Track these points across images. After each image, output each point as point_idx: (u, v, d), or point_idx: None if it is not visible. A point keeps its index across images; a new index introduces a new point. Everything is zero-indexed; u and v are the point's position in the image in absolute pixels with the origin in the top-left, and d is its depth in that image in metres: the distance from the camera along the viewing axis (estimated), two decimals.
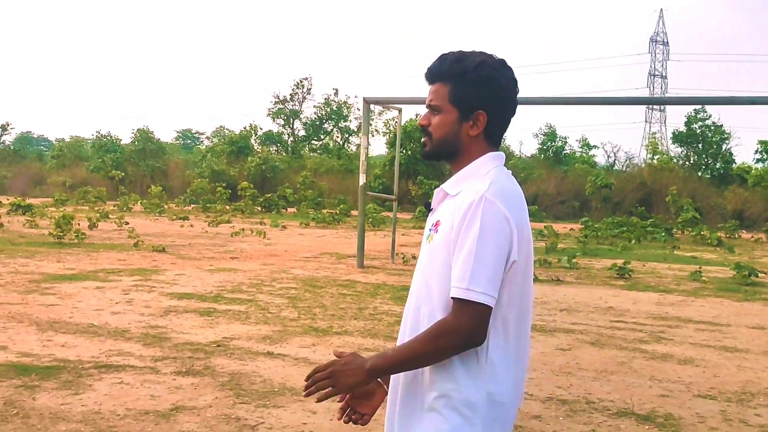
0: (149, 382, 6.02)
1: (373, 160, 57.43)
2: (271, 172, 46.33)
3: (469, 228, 1.97)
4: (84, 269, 12.56)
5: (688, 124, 45.58)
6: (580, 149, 55.98)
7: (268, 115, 65.36)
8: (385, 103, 14.92)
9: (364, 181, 13.82)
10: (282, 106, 65.69)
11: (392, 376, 2.14)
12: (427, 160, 2.25)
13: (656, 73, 76.86)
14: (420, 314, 2.09)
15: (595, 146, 56.52)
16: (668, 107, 71.35)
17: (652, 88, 76.37)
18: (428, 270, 2.09)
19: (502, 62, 2.15)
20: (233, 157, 50.34)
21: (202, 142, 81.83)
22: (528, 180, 41.35)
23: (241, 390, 5.86)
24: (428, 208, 2.23)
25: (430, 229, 2.14)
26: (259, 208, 34.35)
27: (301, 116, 66.15)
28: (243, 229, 21.29)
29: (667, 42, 78.15)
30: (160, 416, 5.20)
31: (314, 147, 65.37)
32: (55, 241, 16.68)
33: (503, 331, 2.04)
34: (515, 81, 2.16)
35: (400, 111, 14.88)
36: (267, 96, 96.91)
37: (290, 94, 66.33)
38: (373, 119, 58.25)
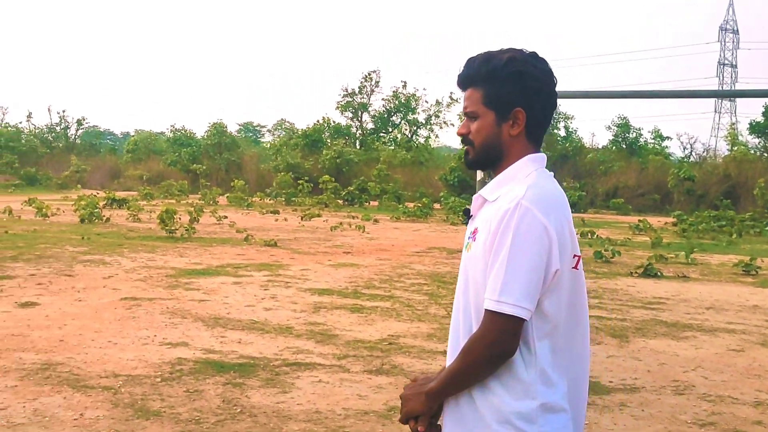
0: (348, 381, 6.04)
1: (445, 152, 57.28)
2: (346, 165, 46.41)
3: (504, 237, 1.89)
4: (210, 264, 12.71)
5: (766, 113, 44.25)
6: (653, 140, 55.02)
7: (337, 108, 65.48)
8: (563, 97, 14.72)
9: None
10: (350, 99, 65.73)
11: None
12: (472, 168, 2.19)
13: (726, 62, 74.94)
14: (463, 328, 2.02)
15: (668, 137, 55.49)
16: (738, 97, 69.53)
17: (721, 78, 74.52)
18: (467, 281, 2.02)
19: (533, 55, 2.05)
20: (306, 151, 50.59)
21: (263, 134, 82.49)
22: (608, 173, 40.71)
23: None
24: (467, 216, 2.14)
25: (469, 237, 2.06)
26: (341, 202, 34.43)
27: (370, 109, 66.13)
28: (341, 224, 21.33)
29: (737, 30, 76.12)
30: (381, 416, 5.19)
31: (382, 139, 65.35)
32: (166, 236, 16.91)
33: (552, 339, 1.96)
34: (550, 73, 2.06)
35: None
36: (330, 89, 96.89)
37: (359, 87, 66.37)
38: (440, 111, 58.06)
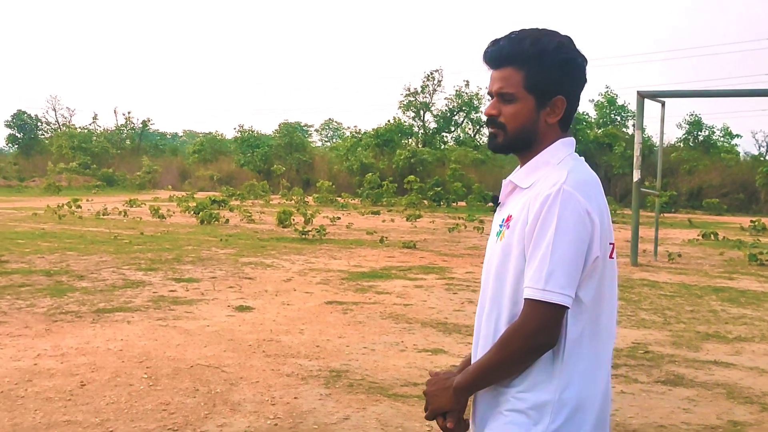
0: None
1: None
2: (420, 165, 46.29)
3: (547, 223, 1.81)
4: (372, 267, 12.67)
5: None
6: (722, 138, 53.99)
7: (399, 107, 65.31)
8: (660, 96, 14.54)
9: (639, 176, 13.50)
10: (413, 99, 65.55)
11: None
12: (498, 152, 2.04)
13: None
14: (496, 319, 1.93)
15: (737, 135, 54.36)
16: None
17: None
18: (502, 270, 1.92)
19: (571, 40, 1.97)
20: (377, 151, 50.58)
21: (310, 134, 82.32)
22: (693, 171, 40.04)
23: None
24: (495, 203, 2.06)
25: (501, 225, 1.96)
26: (427, 202, 34.32)
27: (432, 108, 65.87)
28: (457, 225, 21.21)
29: None
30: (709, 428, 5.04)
31: (445, 138, 65.08)
32: (298, 237, 16.93)
33: (584, 330, 1.87)
34: (585, 60, 1.98)
35: (663, 104, 14.46)
36: (392, 89, 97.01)
37: (421, 86, 66.15)
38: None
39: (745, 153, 53.70)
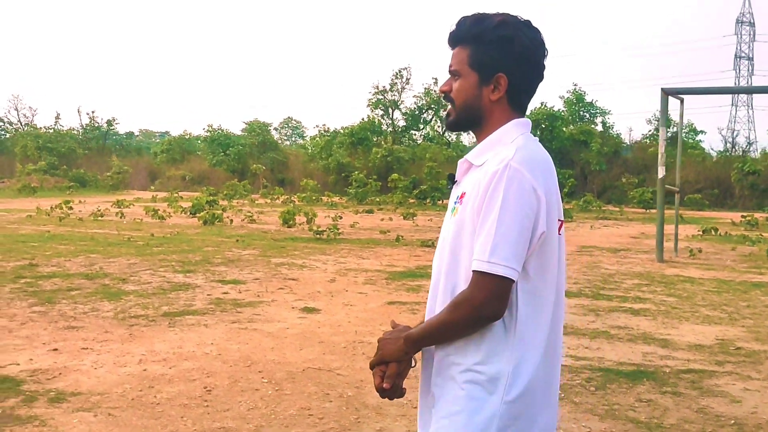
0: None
1: None
2: (396, 163, 46.29)
3: (494, 198, 1.87)
4: (406, 266, 12.64)
5: None
6: (686, 135, 54.81)
7: (368, 105, 65.17)
8: (684, 93, 14.70)
9: (663, 173, 13.65)
10: (381, 97, 65.48)
11: (424, 349, 2.07)
12: (452, 130, 2.15)
13: (742, 54, 74.85)
14: (452, 291, 1.98)
15: (702, 131, 55.27)
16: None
17: (738, 71, 74.40)
18: (455, 243, 1.99)
19: (526, 23, 2.02)
20: (351, 149, 50.45)
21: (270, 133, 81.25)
22: (669, 168, 40.58)
23: None
24: (452, 181, 2.12)
25: (455, 202, 2.03)
26: (413, 200, 34.32)
27: (401, 106, 65.86)
28: None
29: (754, 23, 76.00)
30: None
31: (413, 136, 65.13)
32: (313, 237, 16.82)
33: (534, 303, 1.94)
34: (540, 42, 2.03)
35: (681, 101, 14.64)
36: (359, 87, 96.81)
37: (390, 84, 66.08)
38: None
39: (711, 148, 54.72)
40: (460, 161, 2.10)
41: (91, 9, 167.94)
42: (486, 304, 1.87)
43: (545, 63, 2.06)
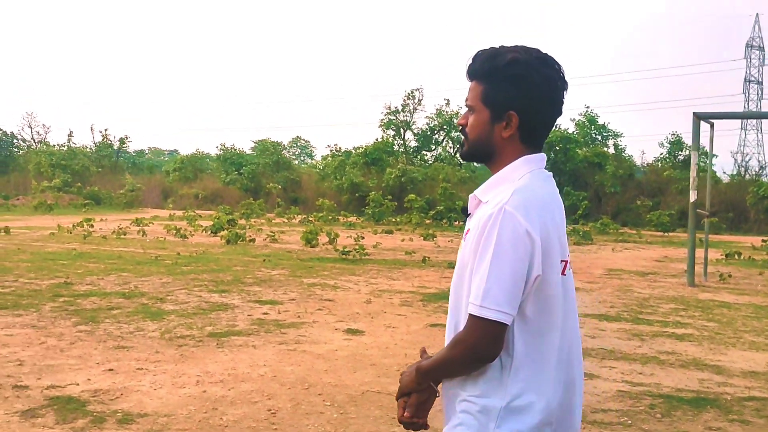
0: None
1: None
2: (411, 184, 46.32)
3: (487, 242, 1.89)
4: (437, 287, 12.60)
5: None
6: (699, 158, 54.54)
7: (380, 126, 65.33)
8: (717, 117, 14.72)
9: (695, 197, 13.63)
10: (393, 117, 65.64)
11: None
12: (466, 160, 2.19)
13: (752, 78, 75.02)
14: (455, 327, 2.04)
15: (714, 155, 55.12)
16: None
17: (747, 95, 74.65)
18: (457, 280, 2.04)
19: (542, 59, 2.01)
20: (365, 169, 50.51)
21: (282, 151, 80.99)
22: (684, 191, 40.53)
23: None
24: (465, 214, 2.12)
25: (463, 238, 2.06)
26: (428, 221, 34.28)
27: (413, 127, 65.98)
28: None
29: (764, 47, 76.21)
30: None
31: (425, 157, 65.23)
32: (338, 257, 16.81)
33: (535, 344, 1.96)
34: (554, 78, 2.02)
35: (711, 125, 14.63)
36: (371, 108, 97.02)
37: (401, 105, 66.24)
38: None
39: (723, 172, 54.63)
40: (470, 196, 2.11)
41: (104, 28, 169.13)
42: (478, 346, 1.90)
43: (563, 98, 2.06)
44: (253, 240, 20.38)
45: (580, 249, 22.10)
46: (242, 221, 28.69)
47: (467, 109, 2.12)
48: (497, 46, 2.07)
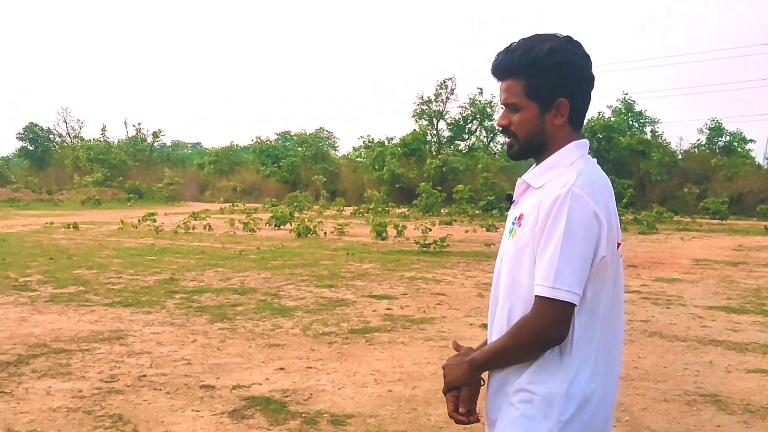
0: None
1: None
2: (452, 174, 46.15)
3: (556, 223, 1.87)
4: None
5: None
6: (736, 143, 54.10)
7: (413, 116, 65.06)
8: None
9: None
10: (426, 107, 65.36)
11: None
12: (516, 159, 2.12)
13: None
14: (509, 311, 2.01)
15: (751, 140, 54.44)
16: None
17: None
18: (514, 265, 2.00)
19: (570, 40, 2.02)
20: (404, 159, 50.40)
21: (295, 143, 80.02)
22: (733, 178, 40.10)
23: None
24: (510, 201, 2.12)
25: (513, 223, 2.04)
26: (478, 211, 34.12)
27: (446, 117, 65.64)
28: None
29: None
30: None
31: (458, 146, 64.93)
32: (420, 250, 16.71)
33: (590, 327, 1.94)
34: (587, 56, 2.03)
35: None
36: (404, 98, 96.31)
37: (434, 95, 65.91)
38: None
39: (766, 157, 54.00)
40: (518, 181, 2.09)
41: (134, 22, 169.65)
42: (549, 328, 1.88)
43: (593, 73, 2.07)
44: (325, 233, 20.31)
45: (649, 239, 21.88)
46: (297, 214, 28.66)
47: (505, 108, 2.07)
48: (519, 40, 2.05)
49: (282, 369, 6.58)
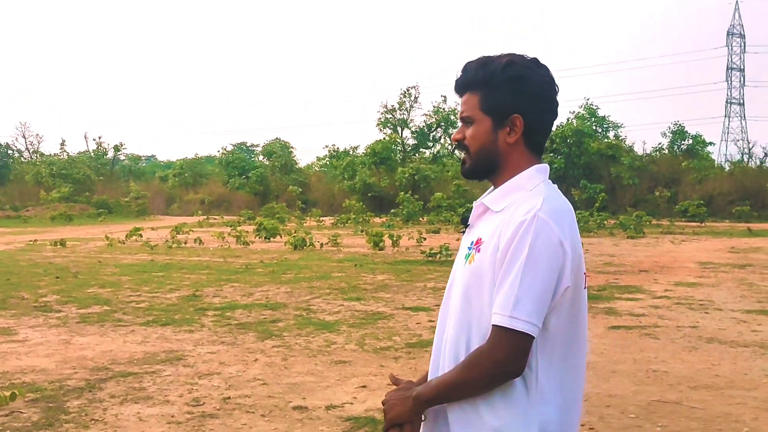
0: None
1: None
2: (424, 182, 46.21)
3: (519, 250, 1.77)
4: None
5: None
6: (697, 146, 55.06)
7: (377, 125, 65.10)
8: None
9: None
10: (390, 116, 65.47)
11: (431, 409, 1.95)
12: (469, 178, 2.04)
13: (734, 66, 75.64)
14: (467, 342, 1.89)
15: (711, 143, 55.47)
16: (747, 101, 70.35)
17: (730, 82, 75.32)
18: (471, 292, 1.88)
19: (534, 61, 1.96)
20: (374, 169, 50.34)
21: (257, 154, 77.89)
22: (703, 180, 40.80)
23: None
24: (465, 224, 2.04)
25: (470, 248, 1.94)
26: (457, 218, 34.14)
27: (410, 125, 65.82)
28: None
29: (744, 34, 76.85)
30: None
31: (422, 155, 65.16)
32: (425, 260, 16.64)
33: (551, 359, 1.85)
34: (551, 79, 1.96)
35: None
36: (367, 106, 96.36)
37: (398, 103, 66.08)
38: None
39: (727, 160, 55.13)
40: (475, 203, 2.00)
41: (86, 36, 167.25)
42: (506, 361, 1.78)
43: (557, 100, 1.98)
44: (321, 245, 20.13)
45: (640, 243, 22.08)
46: (280, 226, 28.35)
47: (462, 122, 2.00)
48: (484, 55, 1.99)
49: (364, 387, 6.43)
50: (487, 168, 1.99)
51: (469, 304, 1.89)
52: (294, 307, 10.46)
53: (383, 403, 2.00)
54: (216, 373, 6.87)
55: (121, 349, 7.84)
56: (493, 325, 1.79)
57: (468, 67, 1.99)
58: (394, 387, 2.06)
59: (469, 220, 2.02)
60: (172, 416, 5.58)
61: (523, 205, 1.84)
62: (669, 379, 6.63)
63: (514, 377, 1.81)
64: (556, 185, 1.98)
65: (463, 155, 2.01)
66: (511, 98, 1.92)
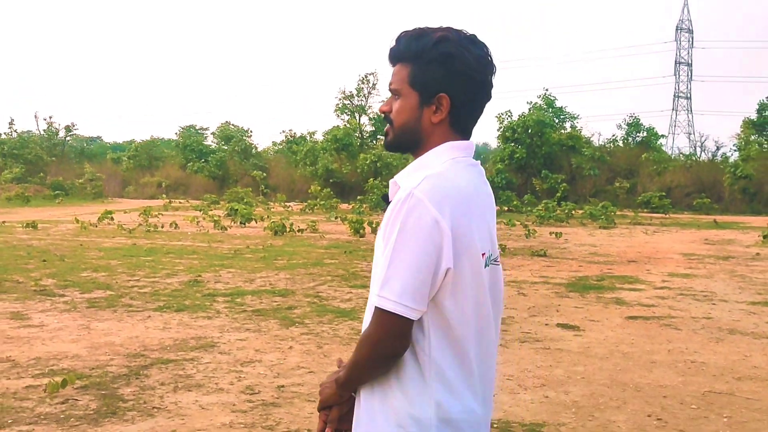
0: None
1: (485, 154, 57.32)
2: (386, 169, 46.10)
3: (392, 228, 1.74)
4: (571, 276, 12.52)
5: (760, 111, 44.66)
6: (650, 139, 55.80)
7: (335, 111, 64.53)
8: None
9: None
10: (348, 102, 65.00)
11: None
12: (390, 151, 1.99)
13: (682, 60, 77.06)
14: (367, 321, 1.88)
15: (663, 135, 56.25)
16: (694, 95, 71.39)
17: (678, 76, 76.77)
18: (374, 272, 1.87)
19: (471, 38, 1.87)
20: (335, 155, 50.05)
21: (206, 137, 74.91)
22: (662, 173, 41.45)
23: None
24: (386, 201, 1.93)
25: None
26: None
27: (368, 111, 65.43)
28: (530, 229, 21.09)
29: (692, 30, 78.28)
30: None
31: (382, 142, 64.90)
32: None
33: (453, 343, 1.80)
34: (486, 59, 1.88)
35: None
36: (325, 92, 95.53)
37: (356, 89, 65.57)
38: None
39: (680, 153, 56.06)
40: (391, 181, 1.91)
41: (31, 13, 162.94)
42: (381, 341, 1.76)
43: (492, 81, 1.90)
44: (301, 231, 19.95)
45: (615, 233, 22.36)
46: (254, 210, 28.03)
47: (391, 94, 1.92)
48: (421, 26, 1.90)
49: None
50: (408, 144, 1.91)
51: (371, 284, 1.85)
52: (303, 294, 10.33)
53: (320, 385, 1.98)
54: (257, 360, 6.74)
55: (147, 335, 7.64)
56: (374, 306, 1.75)
57: (401, 38, 1.90)
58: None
59: (390, 197, 1.88)
60: (233, 405, 5.45)
61: (407, 182, 1.77)
62: (710, 370, 6.68)
63: (394, 358, 1.77)
64: (480, 165, 1.90)
65: (386, 128, 1.93)
66: (440, 76, 1.83)
